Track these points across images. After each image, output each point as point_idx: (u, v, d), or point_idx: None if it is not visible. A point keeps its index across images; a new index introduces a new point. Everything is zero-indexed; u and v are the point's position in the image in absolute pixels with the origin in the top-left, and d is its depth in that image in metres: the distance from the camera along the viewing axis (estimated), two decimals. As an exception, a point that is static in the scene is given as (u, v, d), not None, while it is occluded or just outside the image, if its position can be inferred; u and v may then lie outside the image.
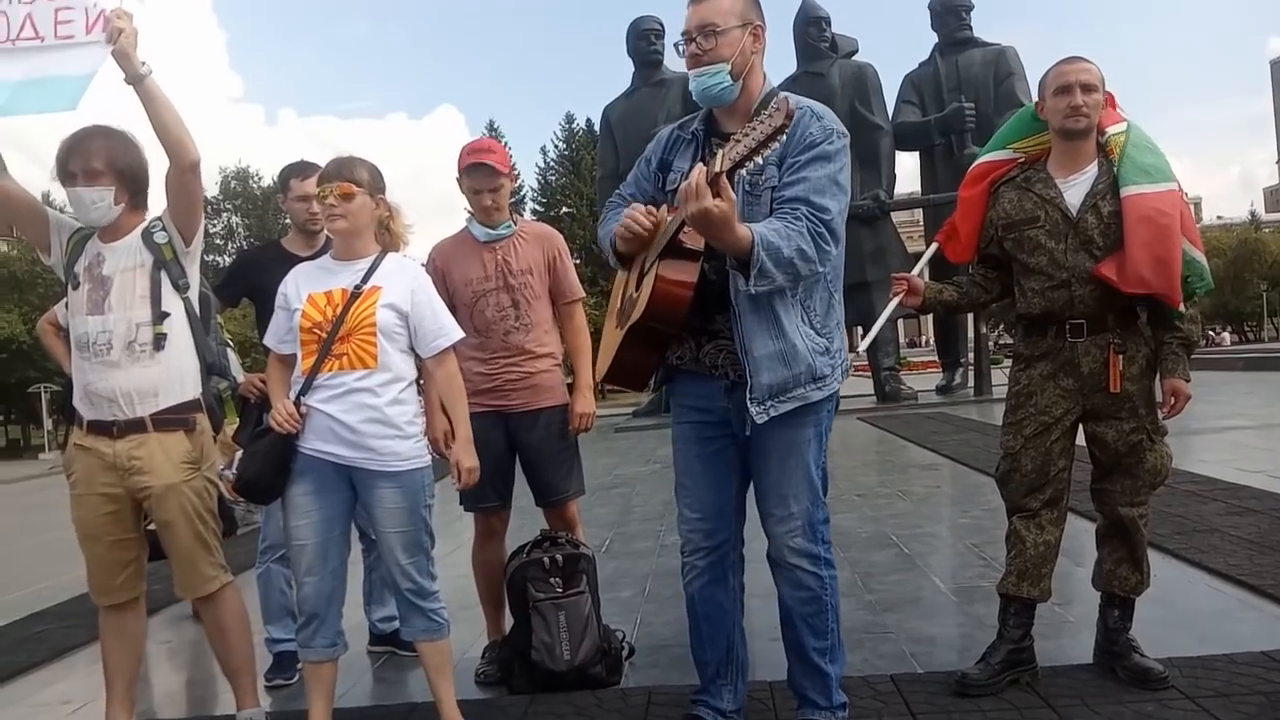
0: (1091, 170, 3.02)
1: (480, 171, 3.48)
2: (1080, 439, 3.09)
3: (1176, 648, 3.12)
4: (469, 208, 3.58)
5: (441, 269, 3.54)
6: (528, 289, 3.52)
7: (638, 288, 2.53)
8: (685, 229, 2.38)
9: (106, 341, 2.87)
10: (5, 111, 2.84)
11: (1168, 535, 4.62)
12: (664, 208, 2.57)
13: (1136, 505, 2.99)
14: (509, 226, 3.57)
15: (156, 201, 3.05)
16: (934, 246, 3.35)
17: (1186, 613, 3.56)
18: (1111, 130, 3.04)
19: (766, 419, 2.46)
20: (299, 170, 3.81)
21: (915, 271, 3.20)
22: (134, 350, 2.87)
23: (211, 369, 3.19)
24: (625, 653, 3.57)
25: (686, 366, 2.63)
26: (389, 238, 3.02)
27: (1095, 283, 2.94)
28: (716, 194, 2.21)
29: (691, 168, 2.38)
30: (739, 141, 2.22)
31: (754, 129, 2.18)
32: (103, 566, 2.96)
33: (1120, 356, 2.95)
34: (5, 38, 2.88)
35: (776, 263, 2.30)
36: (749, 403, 2.45)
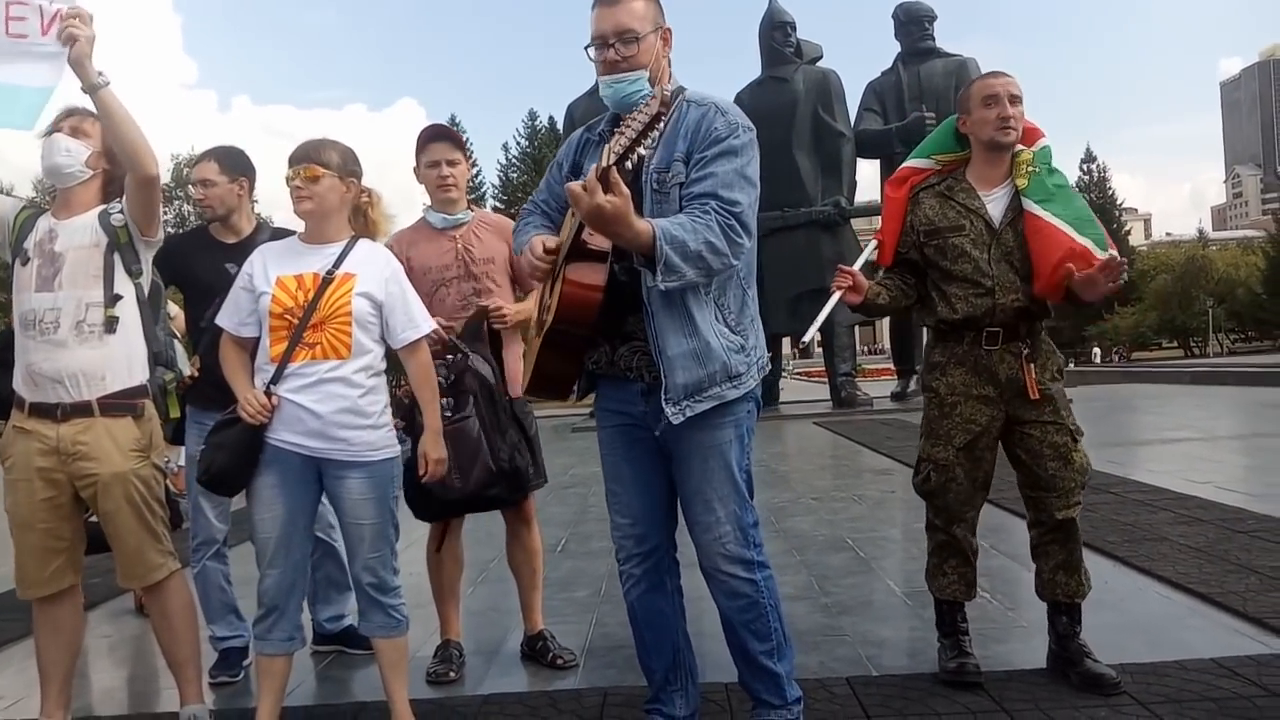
0: (1009, 185, 3.08)
1: (440, 141, 3.45)
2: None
3: (1128, 654, 3.14)
4: (426, 198, 3.52)
5: (400, 257, 3.46)
6: (489, 278, 3.47)
7: (551, 294, 2.49)
8: (587, 230, 2.35)
9: (54, 320, 2.78)
10: None
11: (1118, 543, 4.68)
12: (568, 213, 2.53)
13: (1073, 506, 3.02)
14: (467, 214, 3.52)
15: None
16: (873, 244, 3.34)
17: (1137, 619, 3.60)
18: (1018, 149, 3.09)
19: (683, 419, 2.41)
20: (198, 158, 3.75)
21: (856, 268, 3.19)
22: (82, 330, 2.78)
23: (158, 359, 3.09)
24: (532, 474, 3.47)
25: (603, 371, 2.58)
26: (365, 224, 2.97)
27: (1016, 293, 3.01)
28: (608, 190, 2.18)
29: None
30: (620, 135, 2.20)
31: (633, 120, 2.17)
32: (33, 556, 2.84)
33: (1032, 365, 3.02)
34: None
35: (684, 256, 2.25)
36: (664, 403, 2.40)
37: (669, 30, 2.55)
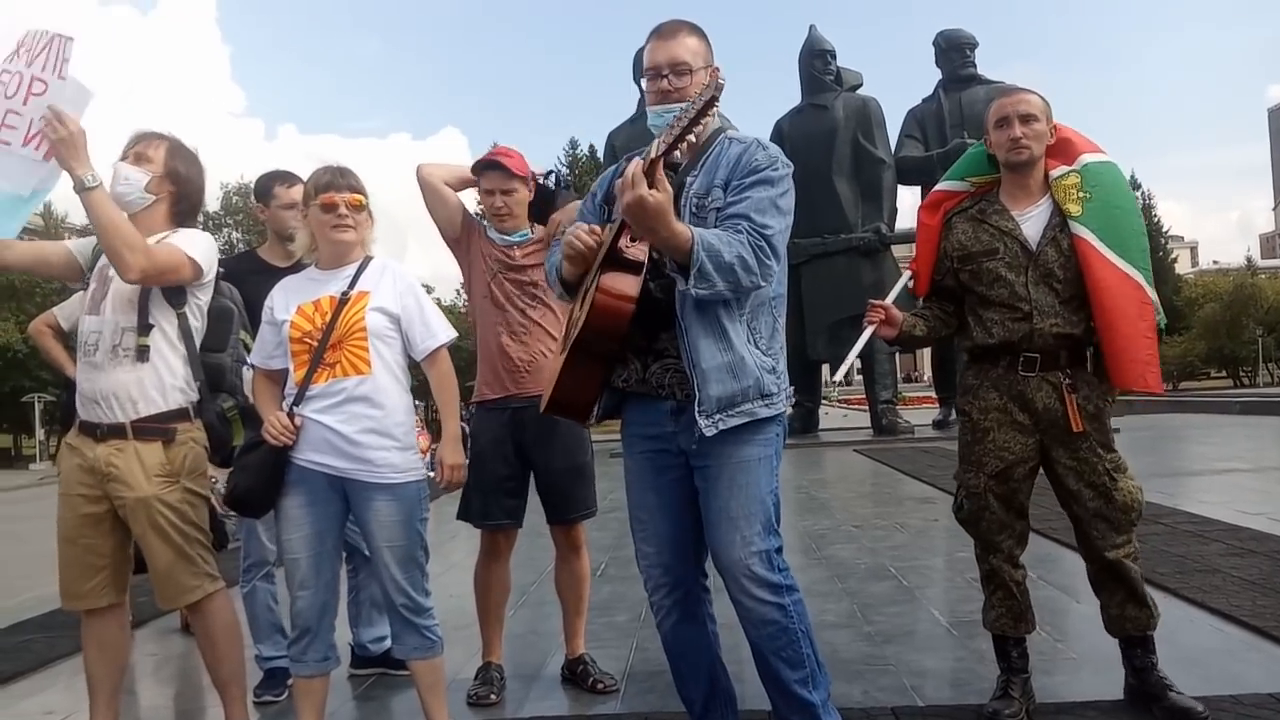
0: (1046, 203, 3.01)
1: (493, 171, 3.47)
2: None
3: (1181, 687, 3.05)
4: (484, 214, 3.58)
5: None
6: (541, 287, 3.46)
7: (581, 308, 2.47)
8: (625, 236, 2.36)
9: (95, 342, 2.87)
10: None
11: (1169, 574, 4.58)
12: (606, 228, 2.53)
13: (1119, 547, 2.93)
14: (524, 235, 3.52)
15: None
16: (907, 275, 3.28)
17: (1190, 652, 3.51)
18: (1055, 174, 3.01)
19: (715, 431, 2.39)
20: (283, 178, 3.80)
21: (889, 300, 3.15)
22: (117, 354, 2.85)
23: (219, 385, 3.11)
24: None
25: (633, 388, 2.56)
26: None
27: (1056, 318, 2.93)
28: (651, 185, 2.20)
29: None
30: (672, 129, 2.24)
31: (685, 112, 2.21)
32: (73, 570, 2.90)
33: (1074, 396, 2.93)
34: None
35: (717, 266, 2.28)
36: (698, 415, 2.38)
37: (718, 70, 2.58)
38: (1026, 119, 2.94)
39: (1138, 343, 2.91)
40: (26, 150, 2.78)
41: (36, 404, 38.13)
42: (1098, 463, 2.94)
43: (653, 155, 2.24)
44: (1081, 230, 2.93)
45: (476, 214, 3.72)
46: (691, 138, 2.27)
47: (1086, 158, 3.01)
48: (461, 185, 3.58)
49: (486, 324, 3.49)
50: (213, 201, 53.02)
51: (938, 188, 3.30)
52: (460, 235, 3.58)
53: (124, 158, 2.95)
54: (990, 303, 3.02)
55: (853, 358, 3.23)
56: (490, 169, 3.47)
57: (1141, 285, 2.94)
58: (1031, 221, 3.01)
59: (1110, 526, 2.93)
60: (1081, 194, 2.96)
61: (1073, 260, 2.93)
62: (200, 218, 3.06)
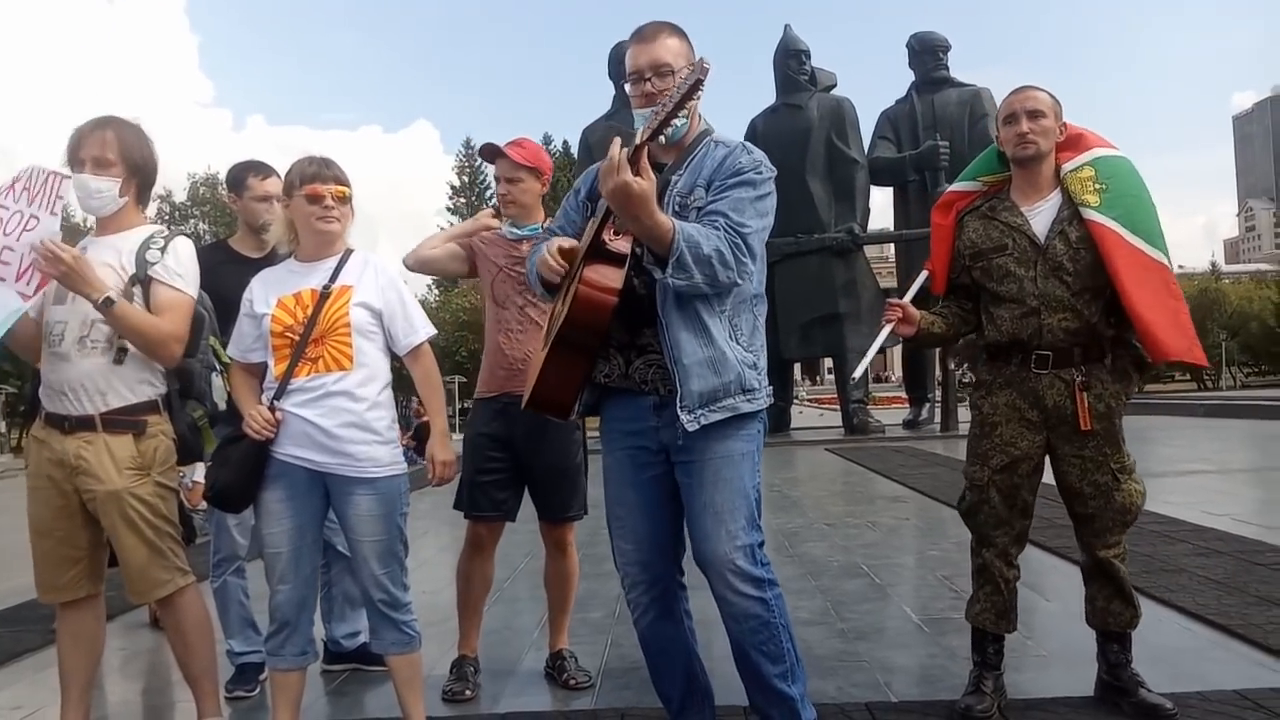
0: (1055, 197, 3.04)
1: (501, 161, 3.48)
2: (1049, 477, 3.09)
3: (1149, 684, 3.10)
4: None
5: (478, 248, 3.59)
6: None
7: (563, 303, 2.47)
8: (609, 228, 2.37)
9: (60, 332, 2.81)
10: None
11: (1136, 574, 4.57)
12: (589, 221, 2.55)
13: (1110, 546, 2.98)
14: (535, 229, 3.51)
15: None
16: (924, 274, 3.28)
17: (1157, 650, 3.56)
18: (1068, 166, 3.05)
19: (697, 427, 2.41)
20: (257, 169, 3.76)
21: (907, 299, 3.16)
22: (85, 345, 2.80)
23: (188, 391, 3.08)
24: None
25: (616, 384, 2.56)
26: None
27: (1066, 312, 2.95)
28: (636, 172, 2.21)
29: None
30: (657, 114, 2.26)
31: (671, 96, 2.23)
32: (49, 562, 2.86)
33: (1085, 394, 2.94)
34: None
35: (696, 258, 2.29)
36: (680, 410, 2.40)
37: (704, 59, 2.57)
38: (1034, 115, 2.97)
39: (1181, 316, 2.96)
40: (20, 284, 2.77)
41: (-1, 395, 37.49)
42: (1104, 462, 2.96)
43: (638, 141, 2.25)
44: (1103, 219, 2.94)
45: (492, 205, 3.74)
46: (679, 121, 2.28)
47: (1099, 151, 3.06)
48: (455, 240, 3.62)
49: (490, 324, 3.53)
50: (179, 193, 52.49)
51: (951, 189, 3.34)
52: (472, 266, 3.61)
53: (76, 165, 2.84)
54: (1001, 299, 3.04)
55: (871, 356, 3.22)
56: (497, 156, 3.48)
57: (1168, 267, 2.97)
58: (1040, 216, 3.03)
59: (1105, 527, 2.97)
60: (1098, 185, 2.99)
61: (1082, 253, 2.94)
62: (167, 208, 3.00)
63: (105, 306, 2.69)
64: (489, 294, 3.54)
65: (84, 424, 2.80)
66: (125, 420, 2.83)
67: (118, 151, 2.84)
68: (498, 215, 3.65)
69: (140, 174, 2.91)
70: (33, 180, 2.81)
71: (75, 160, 2.84)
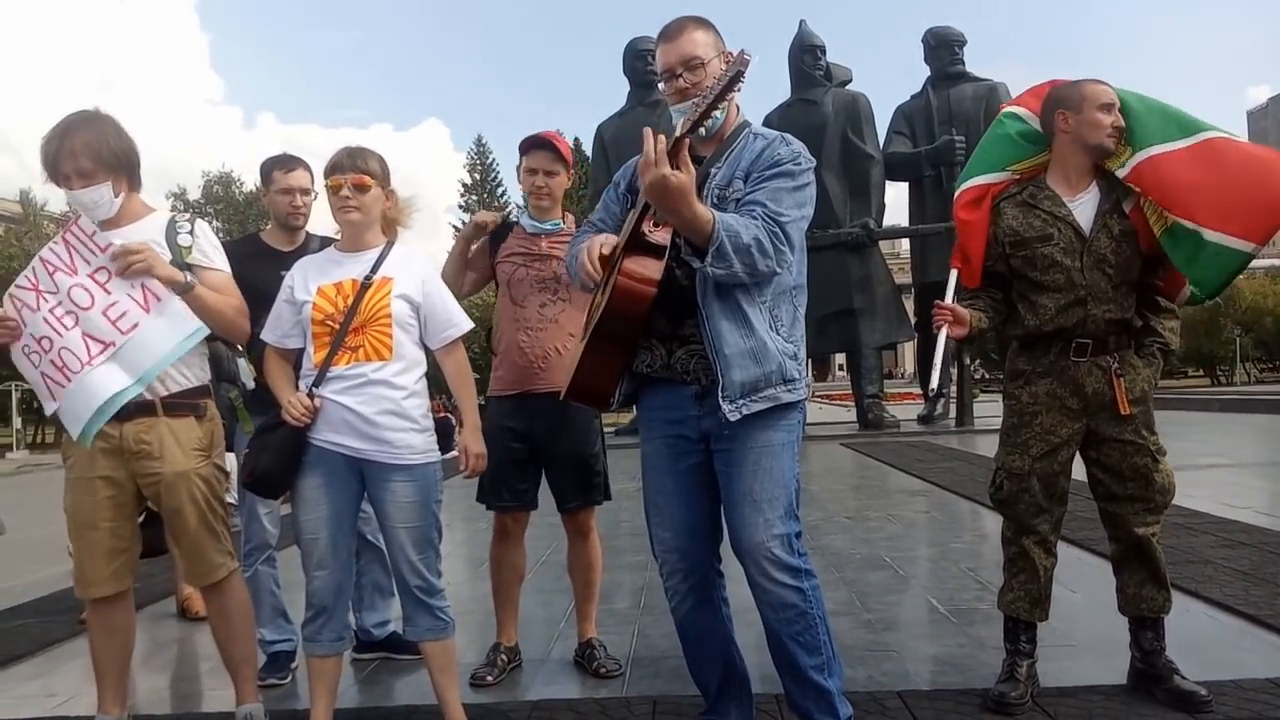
0: (1094, 189, 3.02)
1: (541, 150, 3.48)
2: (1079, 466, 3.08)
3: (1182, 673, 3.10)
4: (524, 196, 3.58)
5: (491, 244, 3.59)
6: (561, 281, 3.44)
7: (603, 294, 2.49)
8: (648, 219, 2.37)
9: None
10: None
11: (1162, 565, 4.63)
12: (629, 213, 2.55)
13: (1150, 525, 3.00)
14: (556, 224, 3.53)
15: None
16: (955, 273, 3.24)
17: (1187, 640, 3.55)
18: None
19: (739, 416, 2.42)
20: (282, 163, 3.78)
21: (948, 300, 3.11)
22: None
23: (222, 374, 3.13)
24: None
25: (657, 374, 2.57)
26: (385, 224, 3.01)
27: (1110, 304, 2.96)
28: (675, 165, 2.22)
29: None
30: (697, 106, 2.26)
31: (711, 89, 2.24)
32: (97, 555, 2.85)
33: (1122, 380, 2.96)
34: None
35: (735, 248, 2.30)
36: (721, 400, 2.41)
37: (730, 54, 2.58)
38: (1114, 108, 2.96)
39: (1275, 171, 2.84)
40: (94, 364, 2.77)
41: (14, 392, 37.65)
42: (1143, 445, 2.98)
43: (678, 134, 2.25)
44: (1142, 154, 2.91)
45: (513, 205, 3.74)
46: (717, 113, 2.28)
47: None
48: (458, 260, 3.63)
49: (506, 322, 3.49)
50: (194, 190, 52.70)
51: (973, 183, 3.23)
52: (490, 271, 3.61)
53: (61, 180, 2.81)
54: (1044, 288, 3.02)
55: (939, 364, 3.18)
56: (539, 148, 3.47)
57: (1212, 138, 2.90)
58: (1083, 207, 3.01)
59: (1145, 507, 2.99)
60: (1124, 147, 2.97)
61: (1124, 247, 2.95)
62: (181, 205, 3.02)
63: (188, 290, 2.78)
64: (505, 294, 3.52)
65: (144, 409, 2.82)
66: (185, 403, 2.88)
67: (93, 157, 2.77)
68: (500, 215, 3.64)
69: (124, 166, 2.86)
70: (72, 244, 2.84)
71: (59, 177, 2.80)
